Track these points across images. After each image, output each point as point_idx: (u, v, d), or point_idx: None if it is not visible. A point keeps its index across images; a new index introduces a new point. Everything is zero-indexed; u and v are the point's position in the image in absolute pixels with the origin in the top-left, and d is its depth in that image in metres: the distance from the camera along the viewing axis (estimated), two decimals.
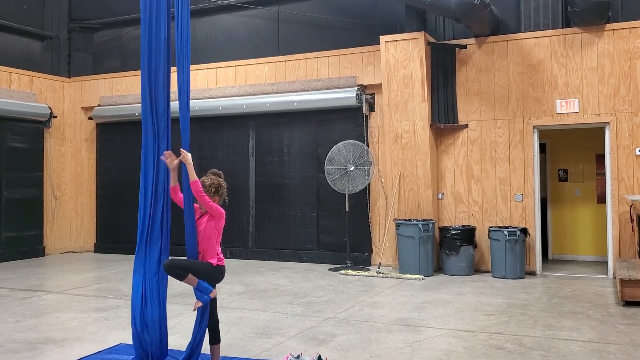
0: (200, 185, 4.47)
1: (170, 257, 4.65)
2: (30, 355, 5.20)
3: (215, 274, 4.63)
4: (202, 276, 4.54)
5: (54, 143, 12.53)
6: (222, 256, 4.68)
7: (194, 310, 4.64)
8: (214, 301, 4.67)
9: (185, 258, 4.61)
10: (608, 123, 9.01)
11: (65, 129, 12.78)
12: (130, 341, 5.37)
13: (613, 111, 8.98)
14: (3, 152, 11.40)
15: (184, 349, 5.29)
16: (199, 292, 4.57)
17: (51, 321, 6.47)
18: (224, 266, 4.68)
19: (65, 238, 12.75)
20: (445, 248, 9.39)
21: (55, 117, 12.37)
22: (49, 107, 12.18)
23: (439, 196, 9.97)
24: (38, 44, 12.64)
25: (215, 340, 4.68)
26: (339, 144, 10.08)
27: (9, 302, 7.54)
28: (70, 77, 12.95)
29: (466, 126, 9.82)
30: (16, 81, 11.79)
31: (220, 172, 4.81)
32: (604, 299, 7.44)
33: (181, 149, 4.52)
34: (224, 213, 4.61)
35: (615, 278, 8.18)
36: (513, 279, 8.89)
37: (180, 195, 4.60)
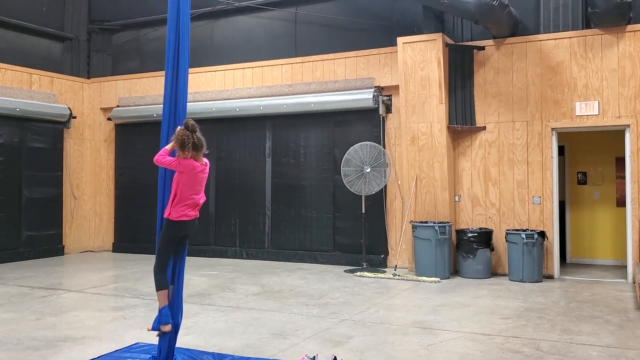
0: (158, 155, 4.45)
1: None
2: (50, 352, 5.27)
3: (170, 229, 4.55)
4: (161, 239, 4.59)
5: (74, 143, 12.68)
6: (185, 212, 4.51)
7: (148, 329, 4.69)
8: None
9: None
10: (628, 125, 8.90)
11: (84, 130, 12.93)
12: (147, 340, 5.42)
13: (634, 113, 8.86)
14: (23, 152, 11.55)
15: (200, 348, 5.35)
16: (160, 315, 4.57)
17: (70, 319, 6.55)
18: (180, 221, 4.51)
19: (84, 237, 12.88)
20: (462, 251, 9.34)
21: (75, 117, 12.52)
22: (69, 108, 12.32)
23: (456, 198, 9.91)
24: (58, 46, 12.81)
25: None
26: (355, 145, 10.08)
27: (29, 300, 7.65)
28: (89, 78, 13.09)
29: (484, 128, 9.76)
30: (37, 82, 11.95)
31: (194, 125, 4.44)
32: (623, 303, 7.36)
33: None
34: (172, 164, 4.44)
35: (634, 282, 8.07)
36: (530, 282, 8.82)
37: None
